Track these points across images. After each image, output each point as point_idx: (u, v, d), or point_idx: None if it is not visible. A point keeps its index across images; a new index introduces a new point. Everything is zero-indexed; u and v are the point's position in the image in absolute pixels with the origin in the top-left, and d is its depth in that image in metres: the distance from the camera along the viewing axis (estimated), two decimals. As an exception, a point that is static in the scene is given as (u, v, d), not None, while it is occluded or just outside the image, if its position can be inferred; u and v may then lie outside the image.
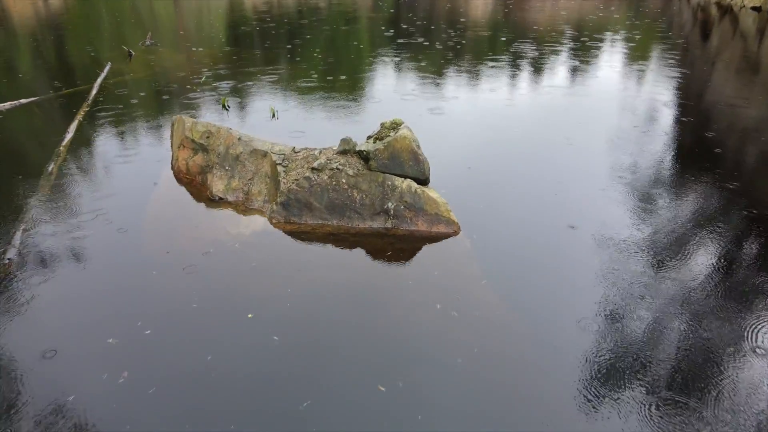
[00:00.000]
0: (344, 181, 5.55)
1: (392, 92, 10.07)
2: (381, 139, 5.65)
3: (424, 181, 5.66)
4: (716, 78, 11.59)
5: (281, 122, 8.48)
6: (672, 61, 12.91)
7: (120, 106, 9.25)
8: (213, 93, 9.96)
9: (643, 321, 4.06)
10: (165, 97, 9.90)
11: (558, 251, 5.03)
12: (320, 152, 5.94)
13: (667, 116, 9.00)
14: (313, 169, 5.63)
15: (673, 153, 7.42)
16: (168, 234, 5.43)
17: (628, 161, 7.02)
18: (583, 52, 13.88)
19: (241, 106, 9.28)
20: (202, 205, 6.00)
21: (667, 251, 4.97)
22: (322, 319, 4.20)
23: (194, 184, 6.45)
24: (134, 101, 9.64)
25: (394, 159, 5.55)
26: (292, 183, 5.63)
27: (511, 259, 4.96)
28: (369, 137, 5.85)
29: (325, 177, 5.57)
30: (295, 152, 6.09)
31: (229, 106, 9.16)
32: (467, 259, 5.01)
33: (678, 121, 8.73)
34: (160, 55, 13.44)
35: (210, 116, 8.72)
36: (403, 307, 4.34)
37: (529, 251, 5.03)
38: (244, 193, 6.04)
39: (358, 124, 8.35)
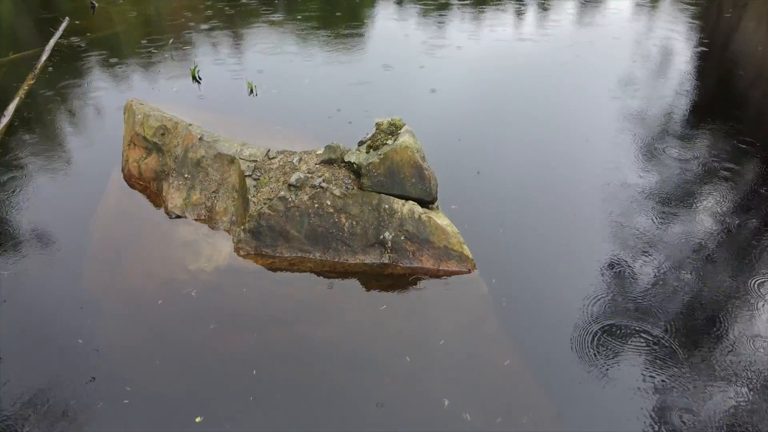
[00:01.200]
0: (329, 203, 4.38)
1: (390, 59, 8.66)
2: (376, 148, 4.44)
3: (429, 202, 4.49)
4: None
5: (260, 100, 7.18)
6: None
7: (72, 79, 7.90)
8: (184, 58, 8.55)
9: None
10: (126, 65, 8.50)
11: (600, 302, 3.95)
12: (300, 160, 4.74)
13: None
14: (290, 185, 4.46)
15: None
16: (113, 267, 4.34)
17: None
18: None
19: (216, 78, 7.93)
20: (157, 224, 4.86)
21: None
22: (295, 418, 3.17)
23: (148, 192, 5.28)
24: (90, 71, 8.27)
25: (393, 175, 4.36)
26: (264, 204, 4.47)
27: (542, 316, 3.88)
28: (361, 143, 4.63)
29: (305, 197, 4.40)
30: (270, 158, 4.89)
31: (200, 78, 7.81)
32: (485, 312, 3.95)
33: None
34: (128, 6, 11.81)
35: (177, 95, 7.40)
36: (401, 402, 3.31)
37: (564, 308, 3.95)
38: (206, 209, 4.88)
39: (352, 106, 7.06)
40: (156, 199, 5.16)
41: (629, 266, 4.25)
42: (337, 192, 4.41)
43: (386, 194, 4.41)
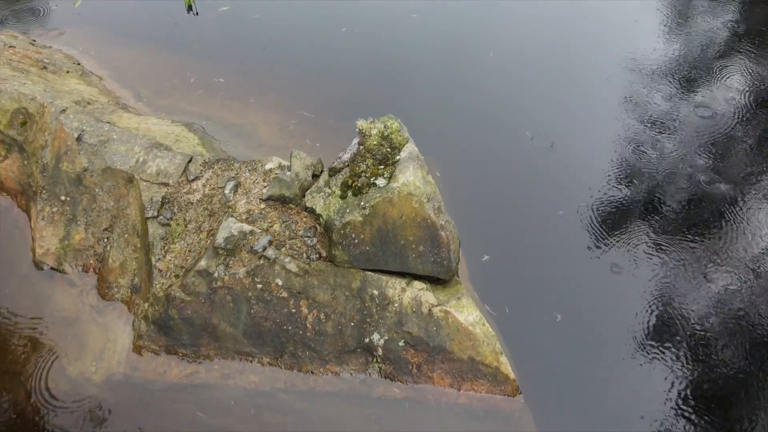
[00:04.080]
0: (280, 282, 2.63)
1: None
2: (358, 190, 2.57)
3: (445, 278, 2.73)
4: None
5: (202, 23, 5.00)
6: None
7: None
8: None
9: None
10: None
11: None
12: (237, 186, 2.89)
13: None
14: (216, 249, 2.66)
15: None
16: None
17: None
18: None
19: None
20: (20, 282, 3.13)
21: None
22: None
23: (15, 213, 3.46)
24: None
25: (387, 243, 2.56)
26: (175, 279, 2.71)
27: None
28: (333, 172, 2.75)
29: (242, 272, 2.63)
30: (189, 180, 3.01)
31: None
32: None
33: None
34: None
35: (81, 17, 5.17)
36: None
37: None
38: (96, 259, 3.12)
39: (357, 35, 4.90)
40: (24, 227, 3.36)
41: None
42: (292, 266, 2.63)
43: (375, 271, 2.63)
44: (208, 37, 4.87)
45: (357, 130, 2.81)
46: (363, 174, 2.59)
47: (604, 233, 3.29)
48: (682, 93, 4.34)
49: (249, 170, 3.06)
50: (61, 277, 3.11)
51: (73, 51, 4.67)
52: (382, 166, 2.60)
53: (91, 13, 5.20)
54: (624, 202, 3.49)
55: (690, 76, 4.49)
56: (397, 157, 2.62)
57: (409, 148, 2.66)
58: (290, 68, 4.54)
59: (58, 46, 4.71)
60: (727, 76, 4.51)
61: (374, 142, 2.70)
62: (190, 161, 3.14)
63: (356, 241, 2.55)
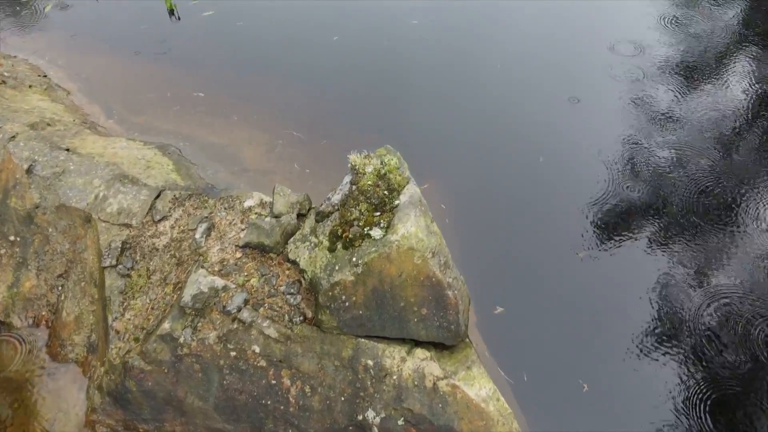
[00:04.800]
0: (257, 350, 2.21)
1: None
2: (348, 243, 2.14)
3: (452, 344, 2.32)
4: None
5: (184, 29, 4.58)
6: None
7: None
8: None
9: None
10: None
11: None
12: (210, 230, 2.47)
13: None
14: (183, 308, 2.24)
15: None
16: None
17: None
18: None
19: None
20: (-39, 335, 2.71)
21: None
22: None
23: (-37, 252, 3.02)
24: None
25: (384, 306, 2.14)
26: (134, 344, 2.30)
27: None
28: (321, 217, 2.32)
29: (212, 338, 2.22)
30: (155, 221, 2.59)
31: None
32: None
33: None
34: None
35: (48, 21, 4.76)
36: None
37: None
38: (48, 310, 2.70)
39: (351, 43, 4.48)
40: (-28, 270, 2.93)
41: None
42: (272, 331, 2.21)
43: (370, 338, 2.22)
44: (189, 45, 4.44)
45: (349, 165, 2.39)
46: (356, 222, 2.17)
47: (633, 279, 2.87)
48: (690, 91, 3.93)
49: (225, 208, 2.65)
50: (8, 331, 2.69)
51: (40, 61, 4.25)
52: (378, 213, 2.18)
53: (63, 17, 4.77)
54: (651, 244, 3.07)
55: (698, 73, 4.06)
56: (396, 202, 2.20)
57: (410, 191, 2.23)
58: (277, 81, 4.12)
59: (24, 55, 4.29)
60: (733, 73, 4.10)
61: (369, 183, 2.28)
62: (158, 197, 2.73)
63: (347, 304, 2.13)
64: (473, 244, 2.96)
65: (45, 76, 4.06)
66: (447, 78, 4.17)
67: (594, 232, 3.05)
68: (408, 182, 2.27)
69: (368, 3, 4.93)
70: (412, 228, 2.11)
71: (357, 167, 2.35)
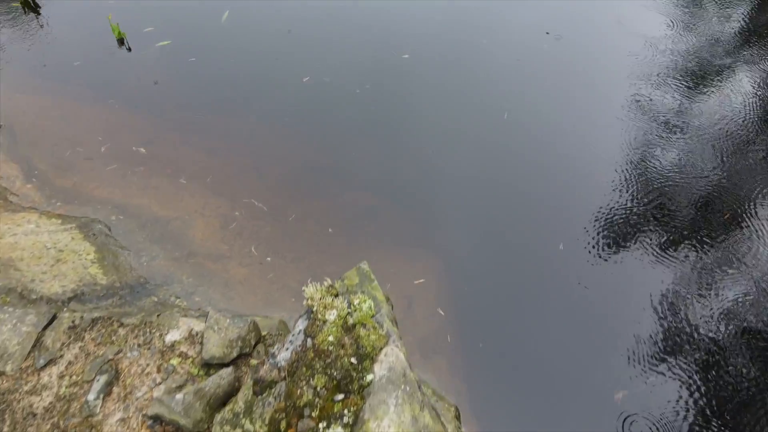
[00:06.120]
0: None
1: None
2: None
3: None
4: None
5: (134, 62, 3.87)
6: None
7: None
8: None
9: None
10: None
11: None
12: (108, 384, 1.75)
13: None
14: None
15: None
16: None
17: None
18: None
19: (69, 7, 4.44)
20: None
21: None
22: None
23: None
24: None
25: None
26: None
27: None
28: (262, 385, 1.57)
29: None
30: (38, 368, 1.85)
31: (36, 5, 4.34)
32: None
33: None
34: None
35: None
36: None
37: None
38: None
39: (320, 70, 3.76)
40: None
41: None
42: None
43: None
44: (135, 85, 3.70)
45: (304, 303, 1.65)
46: (307, 409, 1.43)
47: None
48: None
49: (140, 345, 1.91)
50: None
51: (-49, 105, 3.52)
52: (340, 396, 1.45)
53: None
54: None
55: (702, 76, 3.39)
56: (369, 377, 1.46)
57: (391, 358, 1.50)
58: (237, 132, 3.39)
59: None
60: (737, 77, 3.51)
61: (330, 339, 1.54)
62: (49, 323, 1.98)
63: None
64: (487, 377, 2.23)
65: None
66: (443, 125, 3.44)
67: (637, 366, 2.31)
68: (386, 343, 1.53)
69: (344, 32, 4.20)
70: (391, 429, 1.37)
71: (315, 310, 1.61)
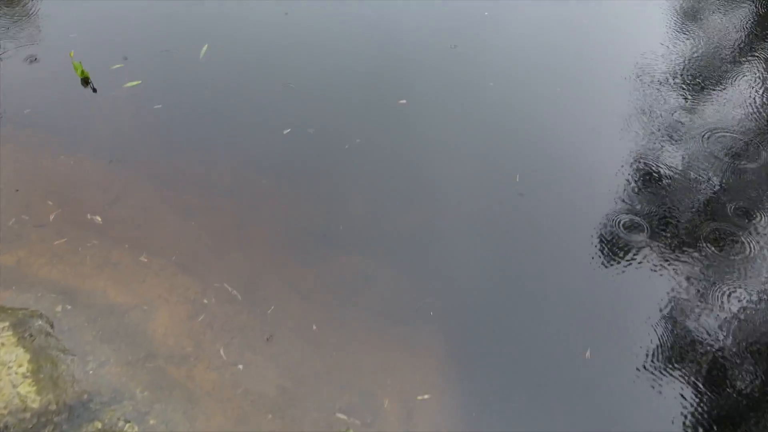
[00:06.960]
0: None
1: None
2: None
3: None
4: None
5: (101, 107, 3.45)
6: None
7: None
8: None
9: None
10: None
11: None
12: None
13: None
14: None
15: None
16: None
17: None
18: None
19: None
20: None
21: None
22: None
23: None
24: None
25: None
26: None
27: None
28: None
29: None
30: None
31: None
32: None
33: None
34: None
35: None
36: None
37: None
38: None
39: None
40: None
41: None
42: None
43: None
44: (97, 133, 3.26)
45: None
46: None
47: None
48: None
49: None
50: None
51: None
52: None
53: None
54: None
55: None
56: None
57: None
58: (207, 195, 2.96)
59: None
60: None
61: None
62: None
63: None
64: None
65: None
66: (447, 180, 3.03)
67: None
68: None
69: (332, 71, 3.77)
70: None
71: None
